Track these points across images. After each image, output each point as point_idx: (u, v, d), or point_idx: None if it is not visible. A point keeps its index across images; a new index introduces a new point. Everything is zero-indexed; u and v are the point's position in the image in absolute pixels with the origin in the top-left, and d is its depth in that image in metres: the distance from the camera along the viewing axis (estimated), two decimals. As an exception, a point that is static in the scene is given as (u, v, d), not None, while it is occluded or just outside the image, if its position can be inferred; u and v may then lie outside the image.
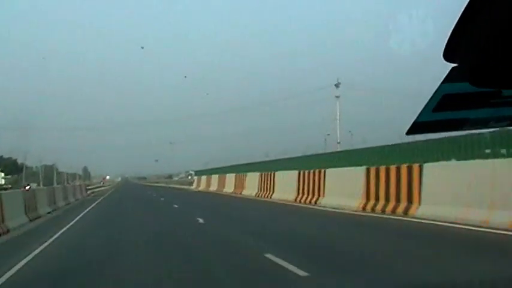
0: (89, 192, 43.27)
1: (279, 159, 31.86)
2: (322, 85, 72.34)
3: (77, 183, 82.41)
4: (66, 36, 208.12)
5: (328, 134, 65.88)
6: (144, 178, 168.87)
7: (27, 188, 37.50)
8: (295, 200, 20.65)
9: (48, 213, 19.90)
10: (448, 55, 1.05)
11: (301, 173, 20.82)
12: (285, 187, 22.14)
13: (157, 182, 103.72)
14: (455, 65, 1.10)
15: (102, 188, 67.64)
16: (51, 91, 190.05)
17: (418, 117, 1.34)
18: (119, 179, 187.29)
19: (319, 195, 18.90)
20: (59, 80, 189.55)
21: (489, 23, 0.98)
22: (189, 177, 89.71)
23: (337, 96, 63.52)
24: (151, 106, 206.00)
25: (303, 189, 20.39)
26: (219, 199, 28.29)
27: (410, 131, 1.40)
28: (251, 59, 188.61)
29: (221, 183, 36.55)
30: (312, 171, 20.04)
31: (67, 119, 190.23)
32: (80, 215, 18.64)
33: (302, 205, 19.40)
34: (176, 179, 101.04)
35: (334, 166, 20.05)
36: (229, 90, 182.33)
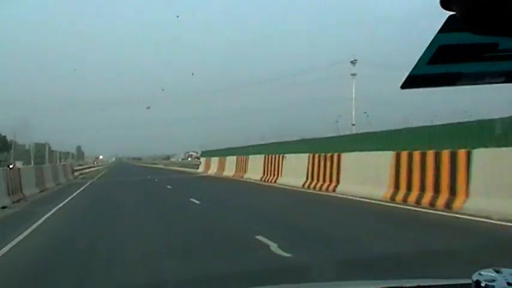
0: (76, 174, 40.44)
1: (300, 140, 26.79)
2: (334, 62, 69.41)
3: (62, 162, 79.36)
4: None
5: (340, 116, 62.79)
6: (139, 159, 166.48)
7: (11, 166, 34.36)
8: (306, 185, 19.35)
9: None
10: (445, 2, 1.01)
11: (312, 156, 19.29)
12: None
13: (154, 163, 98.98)
14: (452, 13, 1.05)
15: (93, 169, 64.58)
16: (44, 67, 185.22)
17: (412, 70, 1.28)
18: (113, 159, 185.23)
19: (337, 182, 17.14)
20: (52, 55, 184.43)
21: None
22: (189, 159, 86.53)
23: (353, 74, 59.98)
24: (148, 84, 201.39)
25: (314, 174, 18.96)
26: (262, 190, 20.64)
27: (405, 85, 1.31)
28: (255, 33, 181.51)
29: (241, 166, 29.72)
30: (326, 154, 17.98)
31: (61, 96, 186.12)
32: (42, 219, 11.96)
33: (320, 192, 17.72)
34: (174, 160, 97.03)
35: (351, 150, 17.51)
36: (233, 66, 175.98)
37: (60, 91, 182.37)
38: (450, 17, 1.06)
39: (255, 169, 25.98)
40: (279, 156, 23.40)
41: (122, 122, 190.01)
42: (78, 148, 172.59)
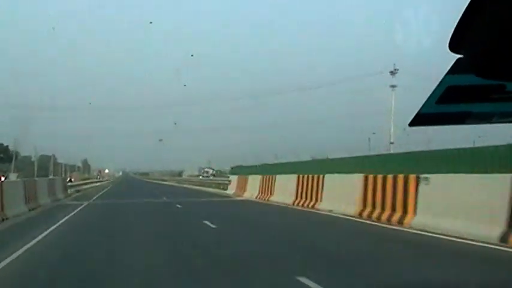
0: (71, 190, 31.40)
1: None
2: (371, 71, 61.48)
3: (50, 176, 70.29)
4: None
5: (374, 133, 57.92)
6: (147, 174, 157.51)
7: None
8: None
9: None
10: (453, 46, 1.04)
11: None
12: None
13: (163, 180, 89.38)
14: (460, 56, 1.09)
15: (96, 184, 55.34)
16: (52, 75, 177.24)
17: (421, 109, 1.34)
18: (120, 173, 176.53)
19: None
20: (61, 62, 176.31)
21: (495, 14, 0.97)
22: (201, 176, 76.28)
23: (393, 86, 52.85)
24: (156, 99, 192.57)
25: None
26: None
27: (413, 123, 1.39)
28: (285, 41, 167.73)
29: (306, 189, 19.08)
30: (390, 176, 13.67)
31: (68, 107, 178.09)
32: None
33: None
34: (186, 176, 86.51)
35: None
36: (253, 74, 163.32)
37: (67, 102, 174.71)
38: (458, 59, 1.10)
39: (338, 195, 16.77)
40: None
41: (130, 136, 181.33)
42: (85, 161, 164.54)
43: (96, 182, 62.52)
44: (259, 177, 25.54)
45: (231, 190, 30.61)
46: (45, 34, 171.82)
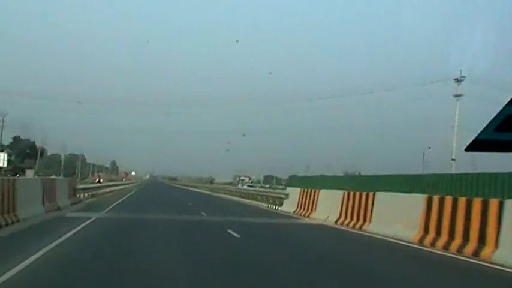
0: (86, 194, 24.63)
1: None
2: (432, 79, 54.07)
3: (52, 176, 64.23)
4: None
5: (430, 147, 52.89)
6: (175, 179, 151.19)
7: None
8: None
9: None
10: None
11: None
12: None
13: (194, 186, 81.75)
14: None
15: (120, 188, 48.59)
16: (89, 70, 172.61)
17: (479, 135, 1.44)
18: (147, 176, 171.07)
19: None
20: (98, 61, 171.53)
21: None
22: (244, 186, 69.05)
23: (458, 95, 47.10)
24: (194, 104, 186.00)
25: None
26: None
27: (470, 148, 1.48)
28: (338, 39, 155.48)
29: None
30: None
31: (101, 107, 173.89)
32: None
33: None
34: (219, 184, 78.90)
35: None
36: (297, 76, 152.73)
37: (101, 104, 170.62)
38: None
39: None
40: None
41: (160, 140, 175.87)
42: (113, 163, 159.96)
43: (120, 185, 55.94)
44: (338, 193, 17.94)
45: (289, 207, 23.08)
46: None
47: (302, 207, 21.15)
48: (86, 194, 24.86)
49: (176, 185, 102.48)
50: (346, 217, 16.69)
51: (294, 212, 21.69)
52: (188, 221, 16.43)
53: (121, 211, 19.10)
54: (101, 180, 66.89)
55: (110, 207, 20.31)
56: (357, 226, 15.61)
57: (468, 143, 1.47)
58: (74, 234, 10.94)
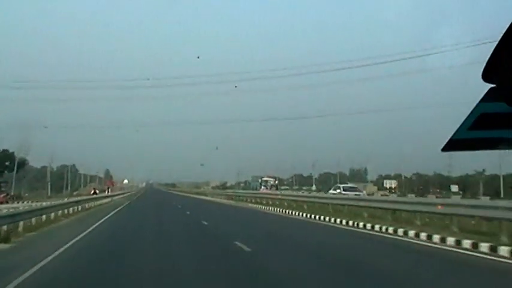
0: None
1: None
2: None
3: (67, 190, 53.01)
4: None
5: None
6: (173, 185, 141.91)
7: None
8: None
9: None
10: (486, 75, 1.08)
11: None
12: None
13: (201, 194, 72.10)
14: (493, 85, 1.14)
15: (98, 203, 37.66)
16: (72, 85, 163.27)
17: (454, 135, 1.37)
18: (143, 184, 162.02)
19: None
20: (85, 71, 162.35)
21: None
22: (264, 187, 60.13)
23: None
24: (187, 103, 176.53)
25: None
26: None
27: (445, 148, 1.41)
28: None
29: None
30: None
31: (89, 114, 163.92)
32: None
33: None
34: (239, 190, 69.20)
35: None
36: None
37: (88, 108, 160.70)
38: (491, 88, 1.14)
39: None
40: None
41: (155, 145, 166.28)
42: (107, 172, 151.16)
43: (103, 198, 45.41)
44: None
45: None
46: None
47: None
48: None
49: (176, 192, 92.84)
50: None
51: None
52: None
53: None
54: (97, 191, 59.99)
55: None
56: None
57: (444, 144, 1.37)
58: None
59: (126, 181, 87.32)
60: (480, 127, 1.32)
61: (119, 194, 65.85)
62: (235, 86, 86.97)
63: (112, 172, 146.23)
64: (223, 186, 79.46)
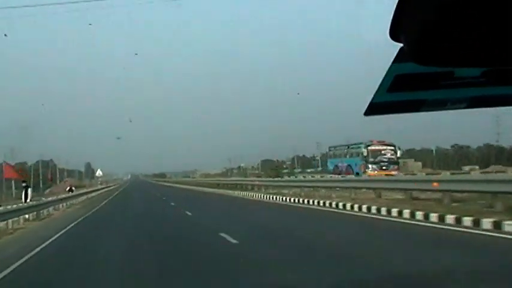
0: None
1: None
2: None
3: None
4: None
5: None
6: (164, 175, 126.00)
7: None
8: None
9: None
10: (394, 34, 0.99)
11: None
12: None
13: (199, 185, 56.03)
14: (401, 44, 1.05)
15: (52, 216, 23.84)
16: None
17: (373, 98, 1.32)
18: (128, 176, 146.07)
19: None
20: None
21: None
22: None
23: None
24: (169, 90, 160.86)
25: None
26: None
27: (367, 112, 1.37)
28: None
29: None
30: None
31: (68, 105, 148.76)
32: None
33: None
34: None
35: None
36: None
37: (66, 98, 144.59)
38: (401, 48, 1.05)
39: None
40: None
41: (140, 135, 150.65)
42: (87, 165, 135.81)
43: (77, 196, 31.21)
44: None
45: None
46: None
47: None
48: None
49: (168, 184, 77.29)
50: None
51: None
52: None
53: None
54: (74, 188, 48.45)
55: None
56: None
57: (365, 108, 1.30)
58: None
59: (99, 172, 68.69)
60: (398, 89, 1.24)
61: (93, 191, 51.14)
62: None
63: (94, 166, 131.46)
64: (275, 172, 49.40)
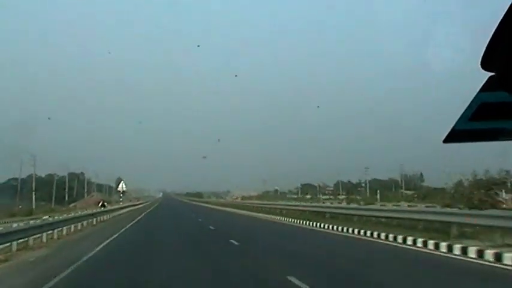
0: None
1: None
2: None
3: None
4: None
5: None
6: (200, 195, 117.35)
7: None
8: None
9: None
10: (485, 64, 1.02)
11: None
12: None
13: (245, 208, 46.04)
14: (492, 74, 1.07)
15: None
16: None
17: (455, 126, 1.33)
18: (160, 194, 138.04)
19: None
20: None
21: None
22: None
23: None
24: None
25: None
26: None
27: (447, 139, 1.37)
28: None
29: None
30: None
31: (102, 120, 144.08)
32: None
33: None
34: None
35: None
36: None
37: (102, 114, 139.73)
38: (490, 77, 1.08)
39: None
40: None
41: (173, 152, 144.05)
42: (118, 180, 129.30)
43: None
44: None
45: None
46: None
47: None
48: None
49: (212, 206, 66.97)
50: None
51: None
52: None
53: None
54: (106, 203, 45.73)
55: None
56: None
57: (445, 135, 1.33)
58: None
59: (123, 186, 58.01)
60: (481, 117, 1.27)
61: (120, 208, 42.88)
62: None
63: (125, 181, 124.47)
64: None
